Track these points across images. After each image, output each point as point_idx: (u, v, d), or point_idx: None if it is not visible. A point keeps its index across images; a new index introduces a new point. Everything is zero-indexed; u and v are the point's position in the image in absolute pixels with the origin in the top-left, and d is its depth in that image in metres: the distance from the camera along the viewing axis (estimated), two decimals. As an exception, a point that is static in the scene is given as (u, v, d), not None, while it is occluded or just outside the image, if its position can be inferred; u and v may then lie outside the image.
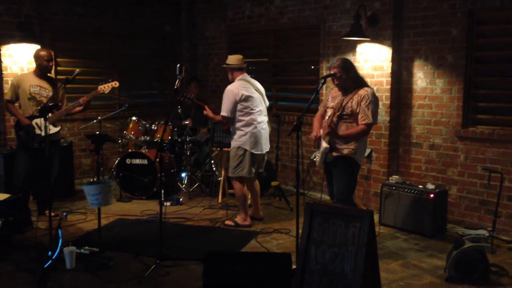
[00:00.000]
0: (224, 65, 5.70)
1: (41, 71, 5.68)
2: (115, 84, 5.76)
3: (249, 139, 5.44)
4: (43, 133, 5.38)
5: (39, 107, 5.37)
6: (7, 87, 6.82)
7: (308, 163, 6.88)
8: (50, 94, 5.65)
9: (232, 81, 5.60)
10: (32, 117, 5.57)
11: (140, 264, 4.50)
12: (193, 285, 4.10)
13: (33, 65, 6.97)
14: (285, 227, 5.63)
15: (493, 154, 5.35)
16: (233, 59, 5.62)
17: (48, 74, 5.81)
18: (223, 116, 5.49)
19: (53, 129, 5.60)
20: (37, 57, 5.68)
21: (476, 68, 5.53)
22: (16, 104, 5.72)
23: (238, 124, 5.48)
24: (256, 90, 5.56)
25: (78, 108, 5.70)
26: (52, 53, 5.81)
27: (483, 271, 4.17)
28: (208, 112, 5.75)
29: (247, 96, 5.42)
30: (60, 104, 5.71)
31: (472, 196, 5.55)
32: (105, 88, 5.71)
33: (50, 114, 5.44)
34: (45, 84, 5.68)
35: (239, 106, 5.42)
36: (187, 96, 6.10)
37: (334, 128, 4.50)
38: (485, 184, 5.32)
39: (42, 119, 5.24)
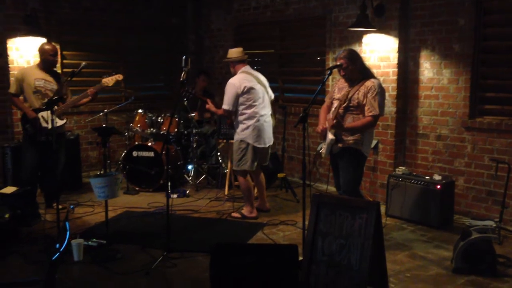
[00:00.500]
0: (225, 60, 5.67)
1: (46, 65, 5.69)
2: (119, 77, 5.74)
3: (251, 133, 5.43)
4: (49, 126, 5.43)
5: (45, 100, 5.40)
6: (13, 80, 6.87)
7: (314, 155, 6.87)
8: (55, 87, 5.66)
9: (234, 75, 5.57)
10: (38, 110, 5.58)
11: (147, 256, 4.53)
12: (200, 277, 4.12)
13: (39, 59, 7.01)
14: (291, 218, 5.63)
15: (501, 145, 5.32)
16: (233, 53, 5.60)
17: (53, 68, 5.82)
18: (224, 110, 5.48)
19: (59, 122, 5.62)
20: (42, 51, 5.68)
21: (484, 58, 5.49)
22: (21, 98, 5.74)
23: (240, 117, 5.46)
24: (258, 82, 5.53)
25: (85, 100, 5.70)
26: (57, 48, 5.81)
27: (490, 262, 4.16)
28: (210, 106, 5.74)
29: (250, 88, 5.39)
30: (65, 97, 5.72)
31: (479, 187, 5.53)
32: (109, 81, 5.68)
33: (55, 107, 5.43)
34: (49, 78, 5.68)
35: (241, 99, 5.40)
36: (189, 90, 6.09)
37: (340, 121, 4.47)
38: (492, 174, 5.29)
39: (48, 112, 5.29)
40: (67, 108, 5.74)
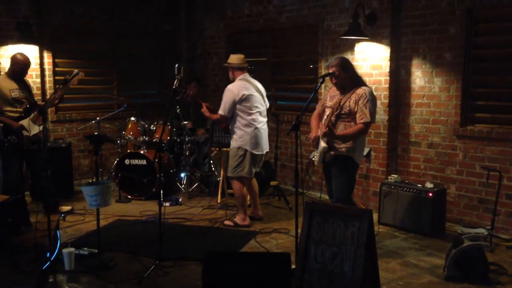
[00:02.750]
0: (226, 64, 5.69)
1: (15, 74, 5.65)
2: (82, 75, 5.67)
3: (250, 140, 5.44)
4: (30, 134, 5.50)
5: (21, 109, 5.51)
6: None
7: (307, 163, 6.88)
8: (27, 94, 5.70)
9: (233, 81, 5.59)
10: (16, 120, 5.52)
11: (140, 265, 4.50)
12: (192, 285, 4.10)
13: (31, 66, 6.98)
14: (284, 227, 5.63)
15: (492, 153, 5.35)
16: (234, 59, 5.61)
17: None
18: (220, 115, 5.49)
19: (38, 128, 5.59)
20: (14, 60, 5.64)
21: (474, 66, 5.53)
22: None
23: (238, 124, 5.47)
24: (256, 90, 5.55)
25: (56, 101, 5.80)
26: (29, 60, 5.76)
27: (482, 269, 4.17)
28: (205, 110, 5.73)
29: (248, 96, 5.41)
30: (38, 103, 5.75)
31: (471, 195, 5.55)
32: (74, 80, 5.61)
33: (32, 114, 5.53)
34: (20, 86, 5.66)
35: (239, 106, 5.41)
36: (185, 92, 6.09)
37: (332, 128, 4.48)
38: (484, 182, 5.31)
39: (28, 120, 5.46)
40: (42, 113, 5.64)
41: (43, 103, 5.44)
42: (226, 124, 5.63)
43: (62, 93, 5.69)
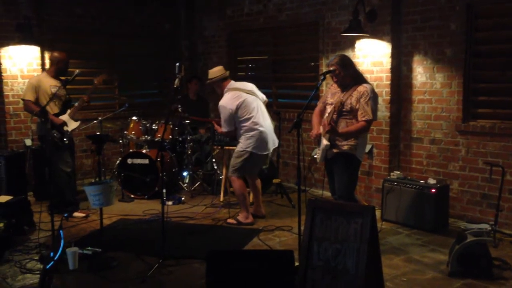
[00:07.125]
0: (208, 81, 5.69)
1: (57, 72, 5.92)
2: (104, 76, 6.24)
3: (255, 142, 5.47)
4: (70, 129, 5.80)
5: (59, 105, 5.82)
6: (7, 89, 6.85)
7: (309, 160, 6.88)
8: (64, 92, 5.91)
9: (222, 94, 5.61)
10: (56, 115, 5.80)
11: (143, 264, 4.51)
12: (196, 284, 4.10)
13: (32, 67, 7.02)
14: (287, 224, 5.63)
15: (494, 148, 5.34)
16: (214, 72, 5.65)
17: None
18: (226, 132, 5.58)
19: (76, 124, 5.90)
20: (57, 59, 5.90)
21: (476, 62, 5.52)
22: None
23: (241, 131, 5.52)
24: (247, 92, 5.56)
25: (85, 104, 6.02)
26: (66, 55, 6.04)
27: (485, 265, 4.17)
28: (217, 128, 5.87)
29: (241, 103, 5.44)
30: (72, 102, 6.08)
31: (474, 190, 5.55)
32: (99, 80, 6.12)
33: (69, 111, 5.87)
34: (59, 84, 5.85)
35: (237, 116, 5.46)
36: (182, 114, 6.16)
37: (334, 126, 4.48)
38: (487, 178, 5.31)
39: (66, 115, 5.82)
40: (76, 111, 5.95)
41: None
42: (233, 135, 5.67)
43: (89, 96, 5.99)
